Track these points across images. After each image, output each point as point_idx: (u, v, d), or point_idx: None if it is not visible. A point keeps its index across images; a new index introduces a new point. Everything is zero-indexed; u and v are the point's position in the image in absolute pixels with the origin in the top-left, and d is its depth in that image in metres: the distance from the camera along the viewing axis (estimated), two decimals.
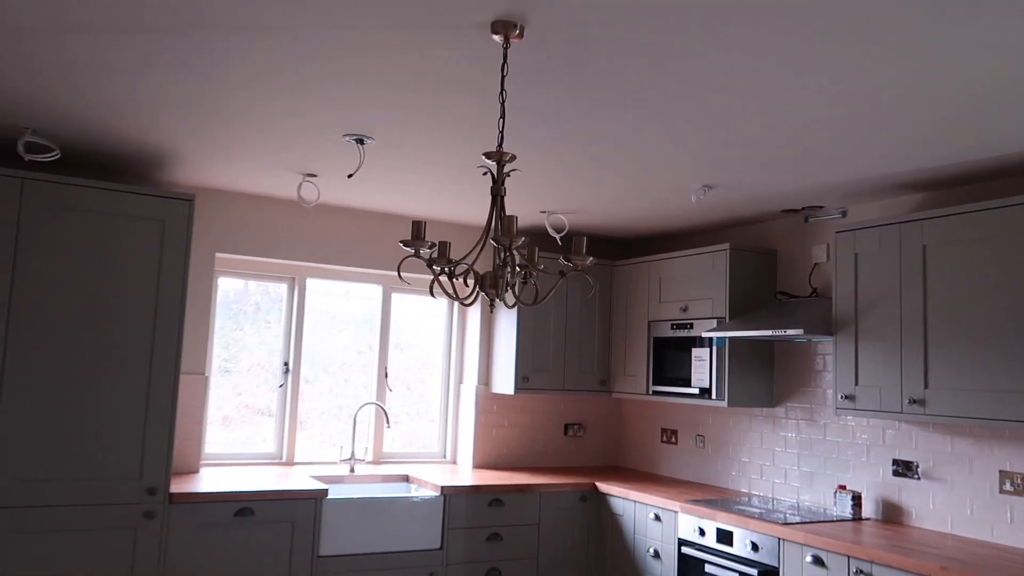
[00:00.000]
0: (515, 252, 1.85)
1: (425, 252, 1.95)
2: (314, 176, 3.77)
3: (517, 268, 2.00)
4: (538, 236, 5.01)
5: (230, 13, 2.02)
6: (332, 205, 4.46)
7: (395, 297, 4.89)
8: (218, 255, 4.28)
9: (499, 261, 1.90)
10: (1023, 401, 2.82)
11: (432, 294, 2.06)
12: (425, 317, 5.04)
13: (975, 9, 1.83)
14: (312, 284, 4.66)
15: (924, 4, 1.82)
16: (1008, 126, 2.64)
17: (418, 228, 1.97)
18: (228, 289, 4.48)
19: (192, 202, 3.56)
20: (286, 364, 4.57)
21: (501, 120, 1.99)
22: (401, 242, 1.96)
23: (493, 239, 1.84)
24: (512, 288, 1.96)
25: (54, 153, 3.31)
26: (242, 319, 4.53)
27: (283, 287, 4.60)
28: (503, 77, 2.02)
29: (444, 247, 2.04)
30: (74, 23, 2.13)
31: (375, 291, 4.86)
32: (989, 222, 2.99)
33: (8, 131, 3.21)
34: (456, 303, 5.10)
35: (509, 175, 2.02)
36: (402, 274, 4.63)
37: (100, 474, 3.34)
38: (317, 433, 4.66)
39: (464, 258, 1.91)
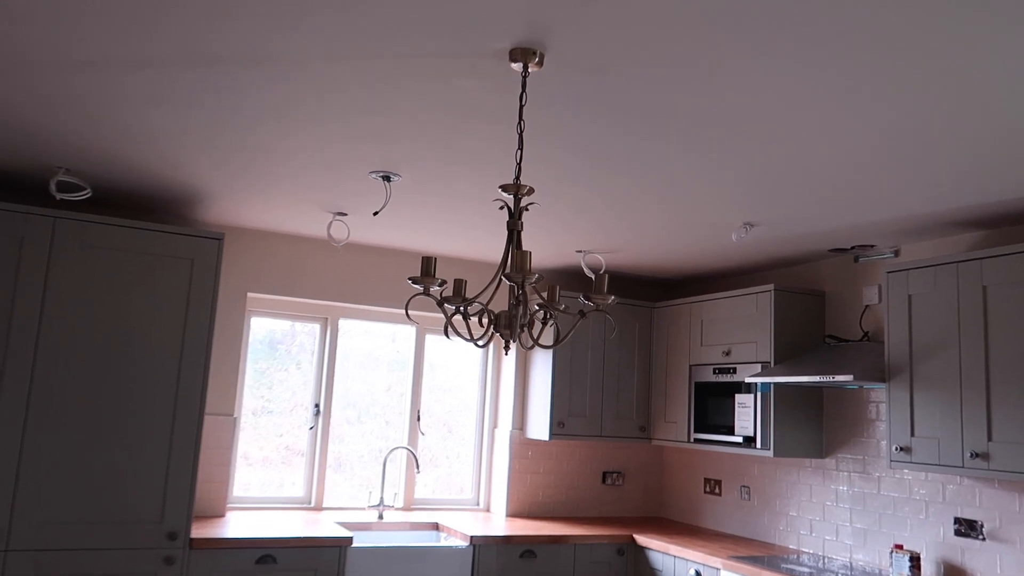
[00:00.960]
0: (534, 291, 1.73)
1: (436, 290, 1.84)
2: (344, 215, 3.72)
3: (535, 307, 1.87)
4: (574, 276, 4.89)
5: (246, 45, 1.97)
6: (363, 244, 4.41)
7: (429, 338, 4.80)
8: (250, 295, 4.24)
9: (513, 300, 1.78)
10: None
11: (447, 335, 1.94)
12: (461, 358, 4.92)
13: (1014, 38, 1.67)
14: (345, 324, 4.59)
15: (977, 24, 1.67)
16: None
17: (428, 264, 1.86)
18: (273, 329, 4.44)
19: (221, 241, 3.53)
20: (317, 406, 4.49)
21: (519, 151, 1.89)
22: (410, 279, 1.85)
23: (505, 276, 1.73)
24: (529, 329, 1.83)
25: (85, 192, 3.32)
26: (287, 359, 4.48)
27: (316, 327, 4.54)
28: (521, 107, 1.92)
29: (459, 285, 1.93)
30: (123, 60, 2.10)
31: (409, 332, 4.77)
32: None
33: (41, 170, 3.23)
34: (493, 344, 4.98)
35: (527, 209, 1.90)
36: (414, 314, 4.54)
37: (121, 517, 3.27)
38: (353, 476, 4.55)
39: (478, 296, 1.79)
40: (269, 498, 4.33)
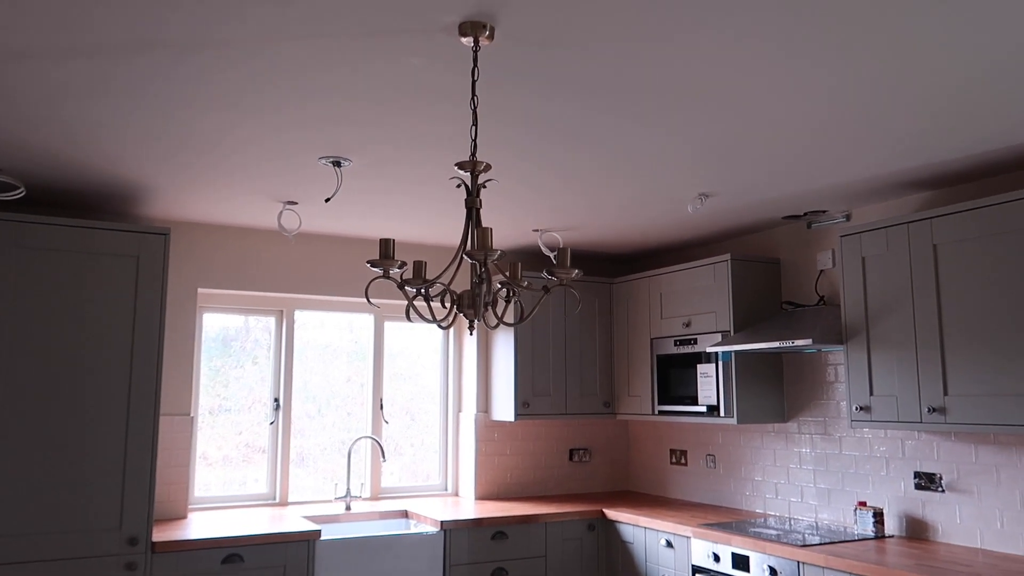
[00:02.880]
0: (496, 269, 1.70)
1: (395, 272, 1.80)
2: (294, 204, 3.63)
3: (498, 285, 1.84)
4: (532, 256, 4.86)
5: (188, 31, 1.89)
6: (316, 233, 4.32)
7: (388, 326, 4.73)
8: (201, 290, 4.13)
9: (476, 279, 1.74)
10: None
11: (408, 318, 1.90)
12: (421, 344, 4.87)
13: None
14: (301, 316, 4.50)
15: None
16: (1014, 114, 2.49)
17: (387, 246, 1.81)
18: (227, 325, 4.33)
19: (167, 236, 3.42)
20: (276, 400, 4.40)
21: (473, 128, 1.84)
22: (368, 262, 1.80)
23: (467, 254, 1.69)
24: (493, 307, 1.80)
25: (18, 191, 3.18)
26: (242, 356, 4.37)
27: (271, 320, 4.45)
28: (474, 82, 1.88)
29: (419, 267, 1.88)
30: (21, 50, 1.99)
31: (367, 321, 4.70)
32: (1003, 217, 2.83)
33: None
34: (455, 326, 4.94)
35: (485, 186, 1.86)
36: (374, 300, 4.47)
37: (78, 526, 3.17)
38: (317, 469, 4.48)
39: (439, 277, 1.75)
40: (232, 496, 4.24)
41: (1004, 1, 1.77)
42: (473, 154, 1.84)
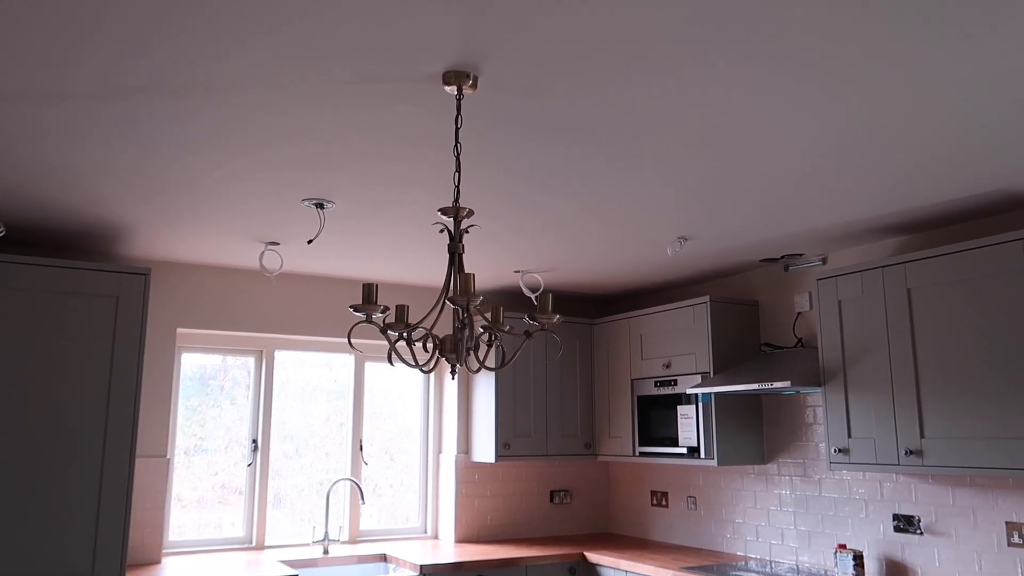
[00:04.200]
0: (477, 313, 1.71)
1: (378, 317, 1.80)
2: (276, 244, 3.63)
3: (480, 330, 1.85)
4: (513, 297, 4.88)
5: (171, 73, 1.91)
6: (297, 273, 4.32)
7: (369, 366, 4.72)
8: (180, 330, 4.10)
9: (458, 323, 1.75)
10: None
11: (390, 362, 1.90)
12: (401, 385, 4.85)
13: (963, 51, 1.75)
14: (281, 356, 4.48)
15: (901, 46, 1.73)
16: (983, 168, 2.56)
17: (370, 291, 1.82)
18: (204, 364, 4.29)
19: (147, 276, 3.41)
20: (255, 441, 4.36)
21: (456, 175, 1.87)
22: (351, 307, 1.81)
23: (449, 299, 1.70)
24: (475, 352, 1.81)
25: None
26: (219, 395, 4.33)
27: (250, 360, 4.42)
28: (457, 129, 1.91)
29: (401, 311, 1.89)
30: (35, 93, 2.01)
31: (346, 360, 4.68)
32: (973, 262, 2.90)
33: None
34: (440, 372, 4.93)
35: (468, 231, 1.89)
36: (355, 342, 4.47)
37: (51, 572, 3.09)
38: (293, 511, 4.41)
39: (421, 322, 1.76)
40: (207, 540, 4.17)
41: (980, 69, 1.83)
42: (456, 200, 1.86)
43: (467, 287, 1.69)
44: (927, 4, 1.59)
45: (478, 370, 1.84)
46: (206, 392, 4.30)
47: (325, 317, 4.44)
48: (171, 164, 2.58)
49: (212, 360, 4.32)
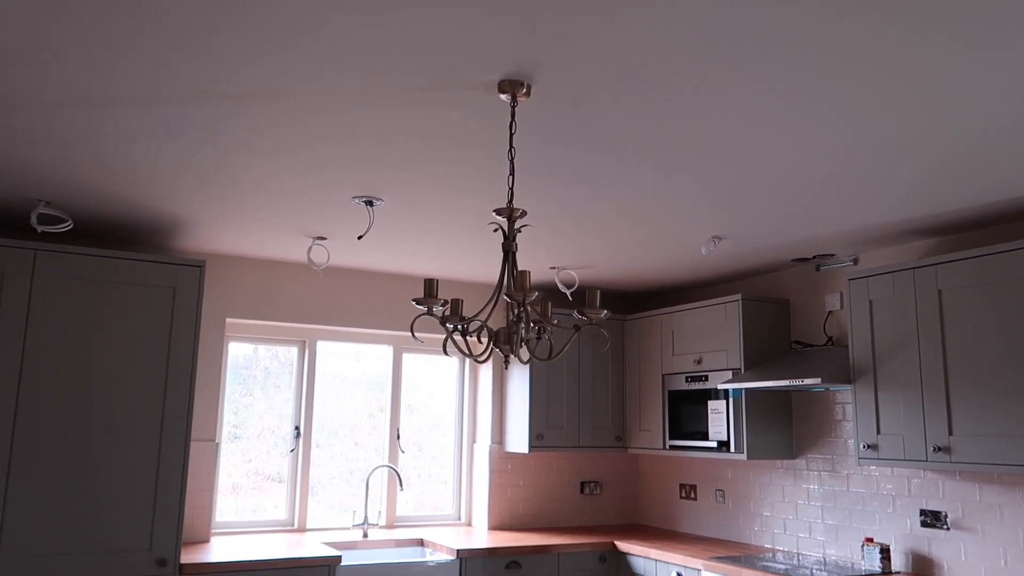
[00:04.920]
0: (528, 307, 1.83)
1: (438, 310, 1.94)
2: (323, 239, 3.79)
3: (531, 324, 1.98)
4: (548, 292, 5.00)
5: (248, 84, 2.05)
6: (341, 267, 4.48)
7: (406, 357, 4.87)
8: (228, 320, 4.28)
9: (513, 317, 1.88)
10: None
11: (445, 352, 2.04)
12: (436, 377, 5.00)
13: (983, 56, 1.84)
14: (322, 347, 4.64)
15: (933, 49, 1.83)
16: (1015, 170, 2.64)
17: (431, 286, 1.96)
18: (237, 355, 4.47)
19: (203, 268, 3.57)
20: (297, 428, 4.52)
21: (511, 177, 1.99)
22: (414, 300, 1.95)
23: (507, 295, 1.83)
24: (527, 344, 1.94)
25: (67, 224, 3.34)
26: (251, 384, 4.50)
27: (292, 350, 4.58)
28: (511, 135, 2.04)
29: (457, 304, 2.02)
30: (99, 97, 2.16)
31: (386, 352, 4.83)
32: (1005, 265, 2.97)
33: (22, 204, 3.25)
34: (468, 360, 5.06)
35: (520, 231, 2.01)
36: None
37: (110, 547, 3.27)
38: (328, 498, 4.58)
39: (477, 315, 1.89)
40: (251, 522, 4.35)
41: (1013, 67, 1.92)
42: (510, 201, 1.99)
43: (523, 284, 1.82)
44: (940, 23, 1.69)
45: (528, 360, 1.97)
46: (239, 381, 4.46)
47: (365, 309, 4.59)
48: (225, 161, 2.72)
49: (245, 350, 4.49)
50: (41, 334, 3.26)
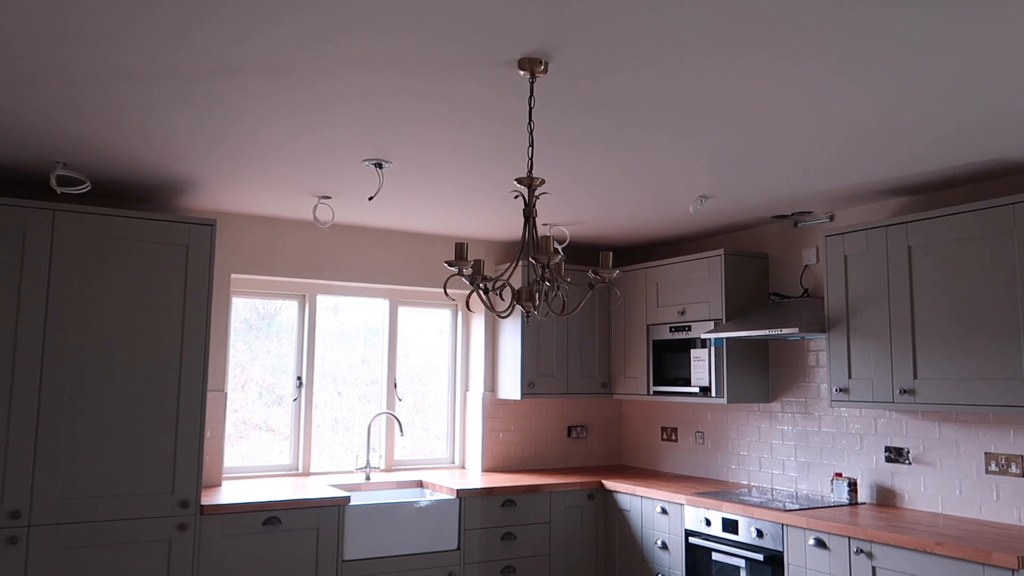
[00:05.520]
0: (550, 268, 2.04)
1: (467, 271, 2.14)
2: (328, 198, 3.94)
3: (548, 284, 2.19)
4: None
5: (262, 57, 2.20)
6: (343, 224, 4.63)
7: (402, 311, 5.07)
8: (233, 276, 4.43)
9: (536, 277, 2.09)
10: (1004, 387, 3.06)
11: (468, 308, 2.25)
12: (430, 329, 5.21)
13: (960, 32, 2.06)
14: (322, 300, 4.82)
15: (915, 22, 2.04)
16: (981, 140, 2.88)
17: (461, 249, 2.16)
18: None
19: (214, 227, 3.72)
20: (299, 379, 4.73)
21: (530, 148, 2.18)
22: (446, 262, 2.14)
23: (533, 258, 2.03)
24: (546, 300, 2.16)
25: (85, 185, 3.45)
26: (233, 337, 4.63)
27: (278, 303, 4.76)
28: (531, 109, 2.22)
29: (479, 265, 2.23)
30: (122, 69, 2.29)
31: (382, 305, 5.03)
32: (969, 224, 3.24)
33: (42, 166, 3.36)
34: (461, 312, 5.28)
35: (539, 197, 2.21)
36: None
37: (135, 490, 3.48)
38: (321, 445, 4.78)
39: (501, 275, 2.10)
40: (259, 467, 4.57)
41: (975, 57, 2.14)
42: (530, 171, 2.18)
43: (548, 247, 2.03)
44: (930, 4, 1.90)
45: (546, 315, 2.19)
46: (232, 334, 4.57)
47: (364, 264, 4.77)
48: (237, 126, 2.83)
49: (234, 303, 4.61)
50: (62, 290, 3.40)
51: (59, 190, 3.38)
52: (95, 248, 3.48)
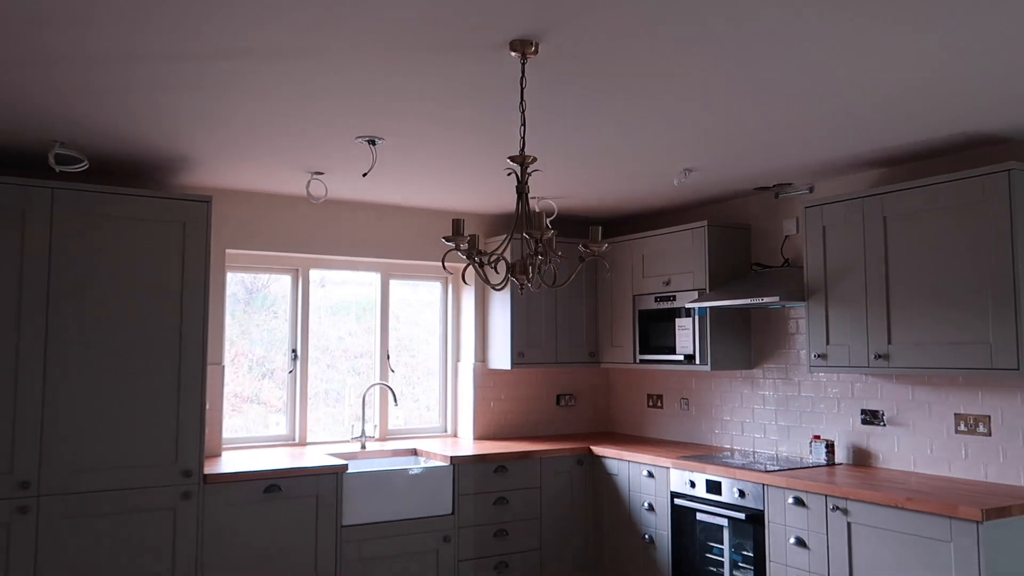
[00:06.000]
0: (543, 243, 2.15)
1: (464, 246, 2.25)
2: (321, 174, 4.02)
3: (540, 257, 2.30)
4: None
5: (264, 41, 2.28)
6: (335, 199, 4.71)
7: (393, 283, 5.17)
8: (228, 251, 4.51)
9: (529, 251, 2.20)
10: (973, 351, 3.22)
11: (464, 280, 2.36)
12: (421, 302, 5.32)
13: (918, 17, 2.16)
14: (315, 274, 4.91)
15: (879, 13, 2.15)
16: (952, 110, 3.01)
17: (458, 225, 2.26)
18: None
19: (209, 203, 3.80)
20: (294, 351, 4.83)
21: (522, 128, 2.27)
22: (444, 238, 2.25)
23: (527, 233, 2.14)
24: (539, 273, 2.27)
25: (83, 164, 3.51)
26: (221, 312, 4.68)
27: (267, 278, 4.84)
28: (522, 89, 2.31)
29: (475, 240, 2.33)
30: (134, 53, 2.36)
31: (374, 278, 5.13)
32: (940, 195, 3.37)
33: (40, 144, 3.41)
34: (451, 285, 5.39)
35: (531, 174, 2.31)
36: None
37: (140, 460, 3.59)
38: (313, 417, 4.89)
39: (496, 249, 2.21)
40: (256, 437, 4.69)
41: (944, 25, 2.25)
42: (522, 150, 2.28)
43: (540, 223, 2.13)
44: None
45: (539, 287, 2.30)
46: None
47: (357, 238, 4.86)
48: (236, 106, 2.90)
49: (231, 279, 4.69)
50: (63, 267, 3.48)
51: (57, 168, 3.44)
52: (94, 225, 3.55)
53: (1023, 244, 3.12)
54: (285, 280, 4.86)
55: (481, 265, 2.33)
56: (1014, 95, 2.81)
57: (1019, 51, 2.39)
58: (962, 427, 3.57)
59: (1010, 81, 2.66)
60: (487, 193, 4.52)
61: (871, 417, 3.94)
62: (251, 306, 4.82)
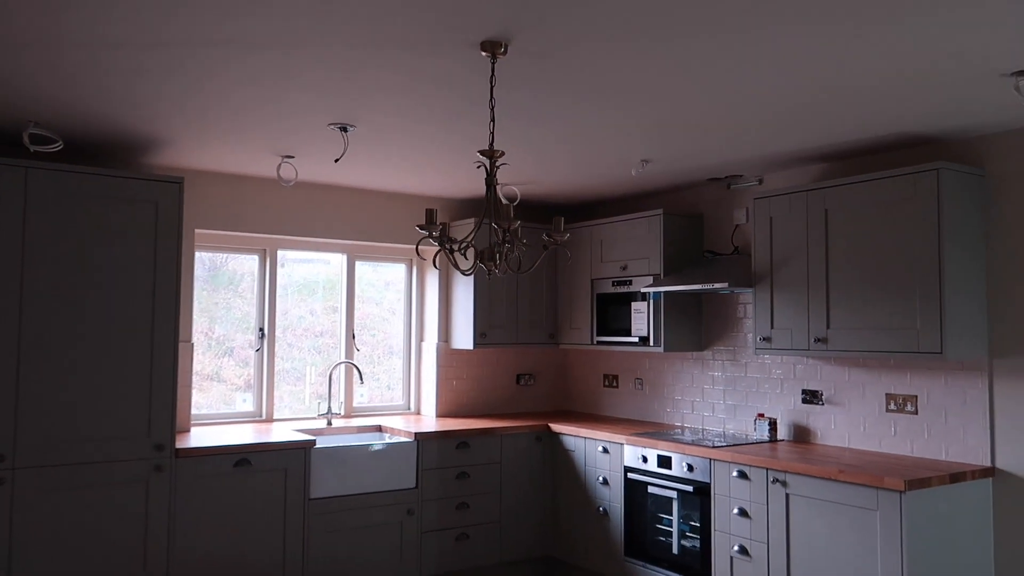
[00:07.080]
0: (509, 232, 2.33)
1: (435, 233, 2.41)
2: (291, 157, 4.12)
3: (508, 244, 2.48)
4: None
5: (240, 30, 2.40)
6: (305, 182, 4.81)
7: (358, 265, 5.30)
8: (197, 231, 4.59)
9: (496, 240, 2.38)
10: (902, 336, 3.49)
11: (435, 265, 2.52)
12: (385, 283, 5.46)
13: (861, 25, 2.38)
14: (282, 254, 5.01)
15: (824, 19, 2.35)
16: (887, 114, 3.25)
17: (431, 215, 2.42)
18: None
19: (181, 184, 3.89)
20: (261, 330, 4.94)
21: (492, 123, 2.44)
22: (418, 226, 2.41)
23: (495, 223, 2.31)
24: (505, 260, 2.44)
25: (57, 144, 3.58)
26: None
27: (226, 256, 4.93)
28: (492, 87, 2.47)
29: (446, 228, 2.50)
30: (110, 38, 2.46)
31: (338, 259, 5.25)
32: (876, 190, 3.62)
33: (14, 124, 3.47)
34: (415, 268, 5.53)
35: (499, 167, 2.48)
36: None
37: (113, 434, 3.69)
38: (283, 393, 5.02)
39: (466, 237, 2.38)
40: (224, 414, 4.81)
41: (885, 30, 2.47)
42: (491, 144, 2.44)
43: (508, 213, 2.31)
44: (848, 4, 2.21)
45: (505, 272, 2.48)
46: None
47: (323, 220, 4.97)
48: (209, 90, 2.99)
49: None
50: (39, 246, 3.55)
51: (32, 148, 3.50)
52: (67, 204, 3.62)
53: (949, 238, 3.39)
54: (247, 259, 4.96)
55: (451, 252, 2.49)
56: (945, 99, 3.06)
57: (948, 58, 2.62)
58: (892, 406, 3.85)
59: (942, 86, 2.90)
60: (454, 179, 4.67)
61: (811, 397, 4.22)
62: (211, 284, 4.91)
